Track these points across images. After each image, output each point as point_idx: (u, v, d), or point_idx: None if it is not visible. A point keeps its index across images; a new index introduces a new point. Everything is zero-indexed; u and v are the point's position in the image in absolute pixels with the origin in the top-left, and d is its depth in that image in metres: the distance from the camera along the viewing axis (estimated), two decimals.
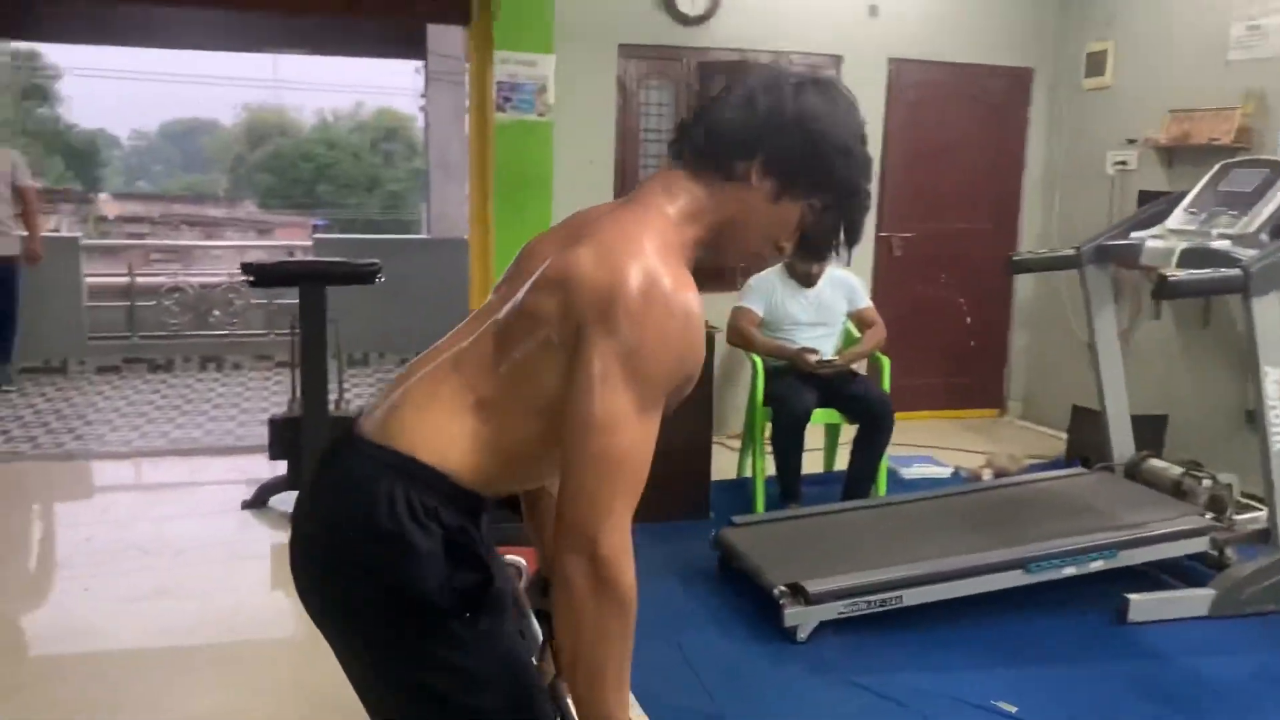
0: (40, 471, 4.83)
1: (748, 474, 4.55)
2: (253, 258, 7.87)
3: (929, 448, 5.30)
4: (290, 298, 6.70)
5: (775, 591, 3.25)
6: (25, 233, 6.30)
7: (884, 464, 4.36)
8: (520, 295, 1.38)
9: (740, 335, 4.44)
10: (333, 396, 4.27)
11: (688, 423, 4.21)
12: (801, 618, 3.20)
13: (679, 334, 1.30)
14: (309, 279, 4.02)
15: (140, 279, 7.15)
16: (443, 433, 1.35)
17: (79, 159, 38.67)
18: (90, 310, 6.96)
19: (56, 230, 16.37)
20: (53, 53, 35.92)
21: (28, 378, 6.51)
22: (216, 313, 7.06)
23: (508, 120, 4.89)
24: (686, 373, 1.34)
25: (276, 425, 4.25)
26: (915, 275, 5.94)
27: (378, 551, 1.31)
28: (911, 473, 4.89)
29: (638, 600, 1.29)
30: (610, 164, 5.33)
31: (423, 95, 7.53)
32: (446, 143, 7.09)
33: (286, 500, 4.15)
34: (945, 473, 4.94)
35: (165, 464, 5.04)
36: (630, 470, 1.28)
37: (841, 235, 1.47)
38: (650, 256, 1.31)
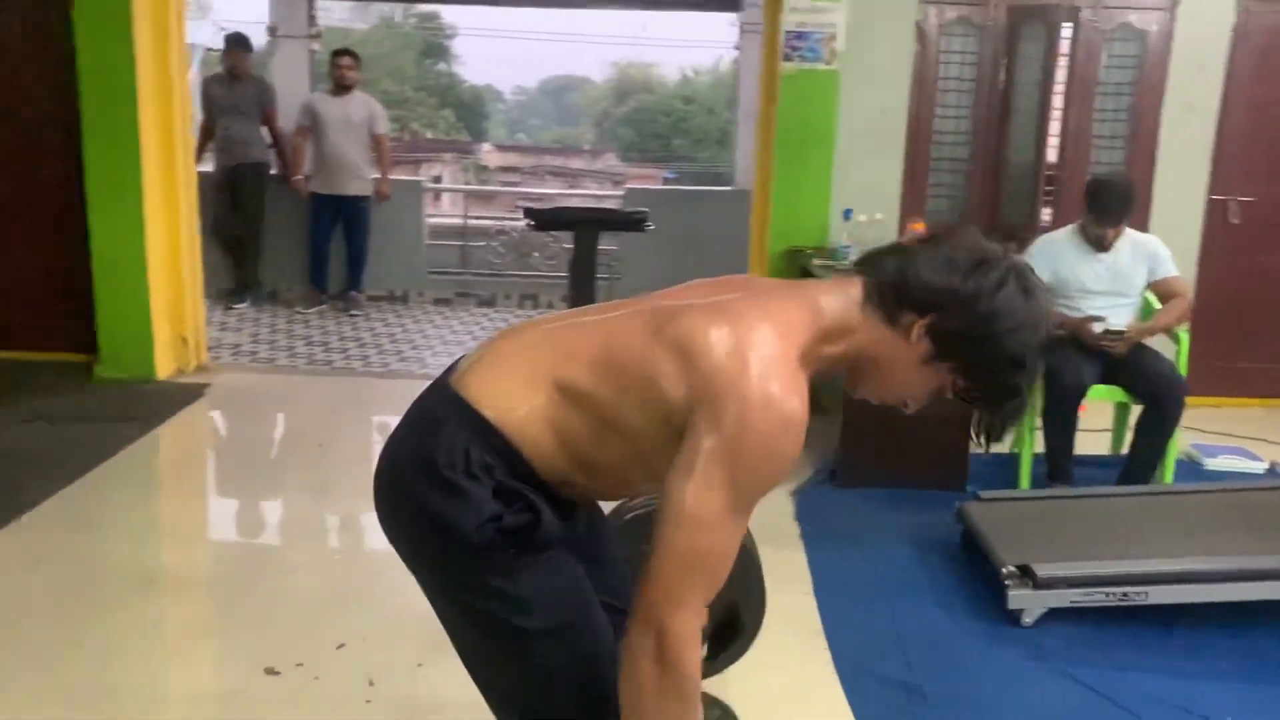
0: (363, 386, 5.47)
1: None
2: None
3: (1247, 439, 4.71)
4: (604, 243, 7.10)
5: (1003, 571, 3.07)
6: (378, 175, 7.09)
7: (1172, 450, 3.94)
8: (648, 334, 1.40)
9: None
10: None
11: None
12: (1027, 601, 3.00)
13: (782, 449, 1.33)
14: (581, 224, 4.23)
15: (472, 221, 7.83)
16: (511, 396, 1.42)
17: (467, 112, 42.49)
18: (430, 248, 7.71)
19: (439, 179, 18.11)
20: (449, 14, 39.70)
21: (374, 305, 7.32)
22: (536, 254, 7.58)
23: (793, 70, 4.85)
24: (779, 481, 1.40)
25: None
26: (1256, 245, 5.23)
27: (425, 487, 1.41)
28: (1216, 464, 4.38)
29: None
30: (903, 115, 5.13)
31: (735, 47, 7.61)
32: (753, 95, 7.11)
33: None
34: (1258, 467, 4.37)
35: None
36: (712, 567, 1.34)
37: (980, 426, 1.48)
38: (778, 361, 1.34)
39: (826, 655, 2.87)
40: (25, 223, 5.25)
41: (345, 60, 6.95)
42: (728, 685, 2.45)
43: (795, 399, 1.32)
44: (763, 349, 1.33)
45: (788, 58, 4.86)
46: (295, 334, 6.46)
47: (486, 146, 38.87)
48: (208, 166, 6.94)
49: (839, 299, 1.43)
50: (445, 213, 8.37)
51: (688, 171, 32.81)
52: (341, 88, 6.91)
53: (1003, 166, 5.19)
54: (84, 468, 3.96)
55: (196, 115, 6.48)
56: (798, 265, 4.83)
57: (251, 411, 5.05)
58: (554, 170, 32.52)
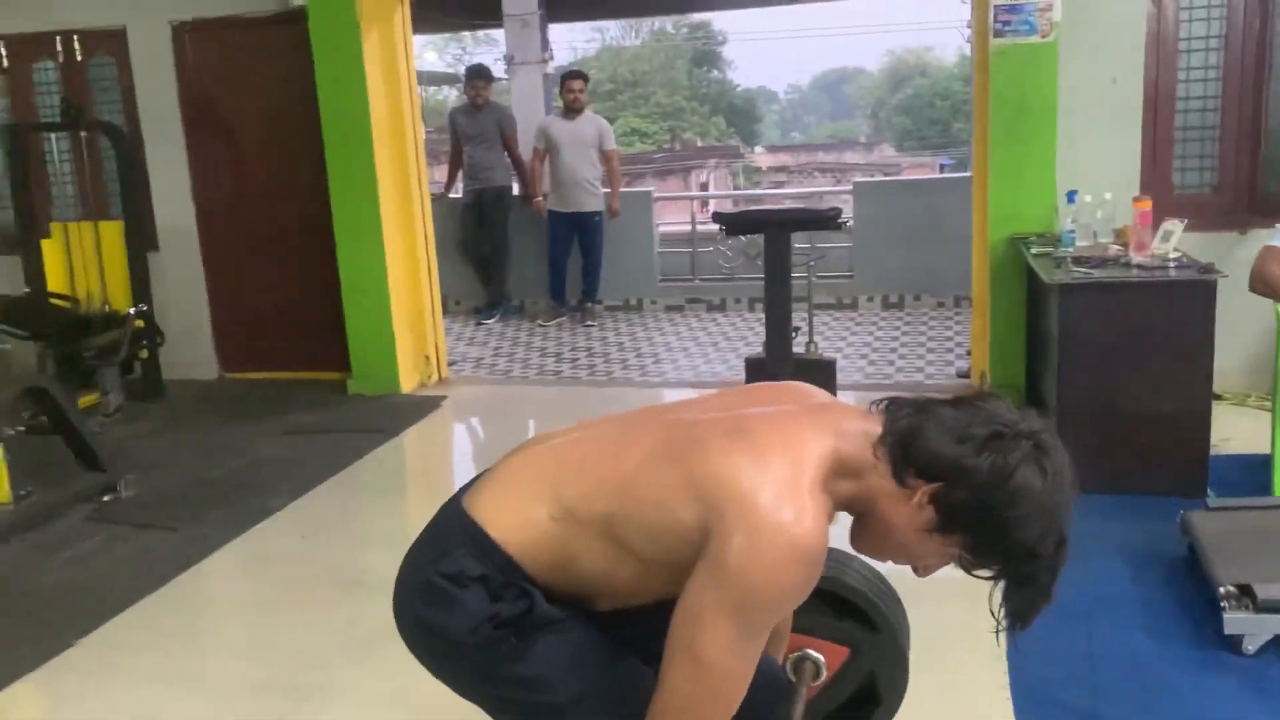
0: (584, 394, 5.62)
1: None
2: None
3: None
4: (833, 241, 6.96)
5: (1220, 590, 2.72)
6: (608, 190, 7.28)
7: None
8: (661, 457, 1.40)
9: (1264, 281, 3.65)
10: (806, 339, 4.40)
11: (1176, 383, 3.64)
12: (1247, 626, 2.64)
13: (790, 582, 1.30)
14: (771, 226, 4.17)
15: (700, 227, 7.88)
16: (516, 516, 1.43)
17: (739, 116, 42.81)
18: (660, 256, 7.82)
19: (705, 185, 18.33)
20: (719, 20, 40.22)
21: (609, 315, 7.53)
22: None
23: (1004, 45, 4.52)
24: (790, 608, 1.39)
25: (750, 363, 4.52)
26: None
27: (422, 603, 1.46)
28: None
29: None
30: (1139, 81, 4.65)
31: (968, 25, 7.18)
32: None
33: None
34: None
35: (673, 394, 5.45)
36: (722, 697, 1.33)
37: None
38: (790, 489, 1.30)
39: (1005, 678, 2.66)
40: (287, 255, 5.82)
41: (576, 84, 7.16)
42: None
43: (807, 525, 1.28)
44: (776, 478, 1.30)
45: (998, 33, 4.53)
46: (532, 346, 6.76)
47: (758, 149, 38.96)
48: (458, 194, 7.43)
49: (858, 433, 1.37)
50: (681, 220, 8.41)
51: (969, 156, 31.35)
52: (572, 110, 7.15)
53: (1262, 133, 4.61)
54: (322, 476, 4.36)
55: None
56: (1019, 254, 4.51)
57: (476, 421, 5.35)
58: (823, 167, 32.14)
